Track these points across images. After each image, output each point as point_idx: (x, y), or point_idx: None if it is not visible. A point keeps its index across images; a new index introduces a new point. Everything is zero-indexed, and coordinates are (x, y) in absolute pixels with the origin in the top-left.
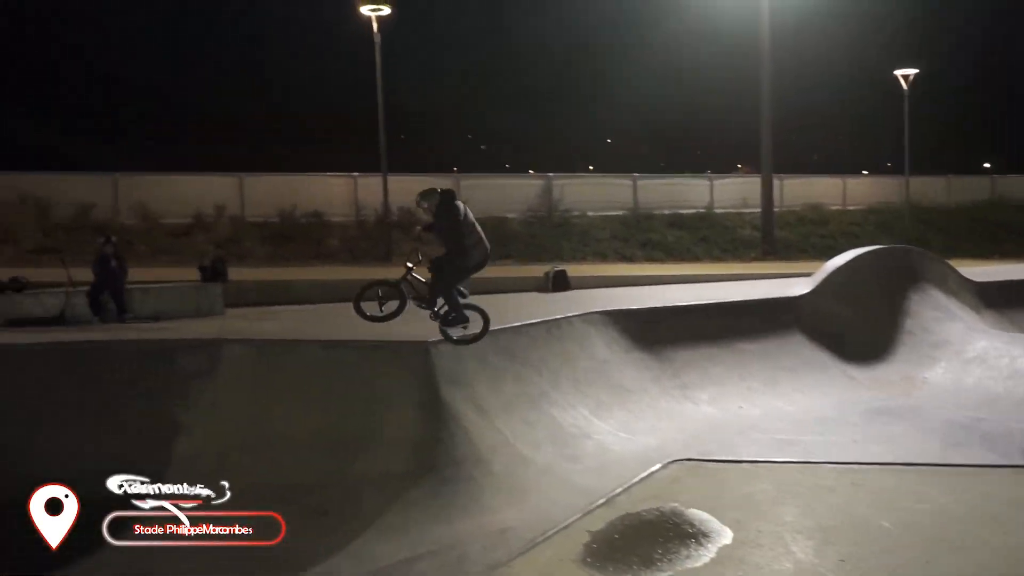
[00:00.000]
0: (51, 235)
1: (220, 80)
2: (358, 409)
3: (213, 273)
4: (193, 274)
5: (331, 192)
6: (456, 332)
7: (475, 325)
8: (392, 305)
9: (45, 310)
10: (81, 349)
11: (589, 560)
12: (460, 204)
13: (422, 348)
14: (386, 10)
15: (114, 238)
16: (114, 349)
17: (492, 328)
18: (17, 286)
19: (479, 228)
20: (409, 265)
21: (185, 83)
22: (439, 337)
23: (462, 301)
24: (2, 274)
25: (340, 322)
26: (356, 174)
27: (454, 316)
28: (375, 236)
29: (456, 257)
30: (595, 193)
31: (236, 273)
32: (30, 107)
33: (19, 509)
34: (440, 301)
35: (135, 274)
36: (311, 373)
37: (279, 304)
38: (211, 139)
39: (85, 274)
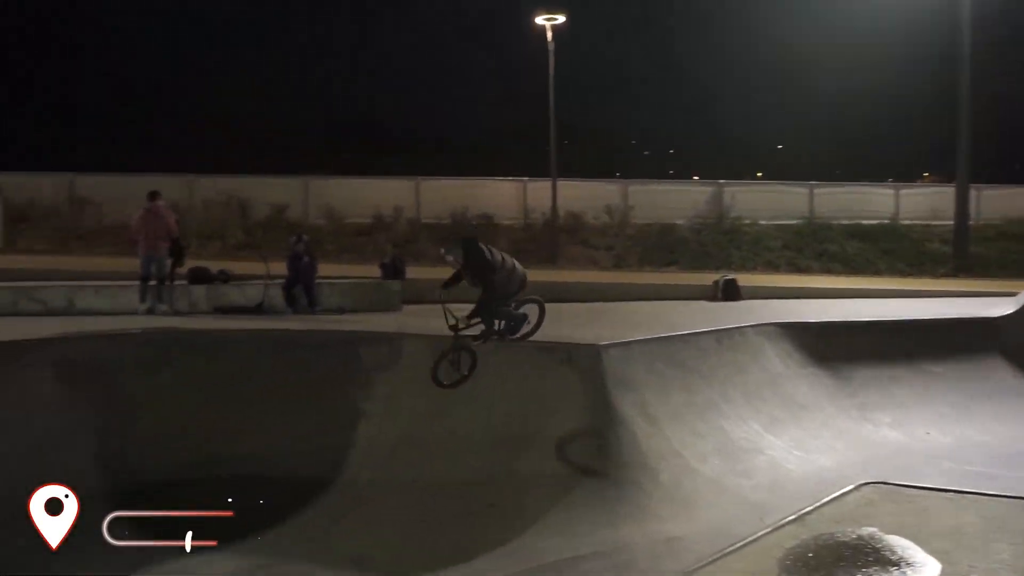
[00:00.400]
0: (251, 233)
1: (395, 91)
2: (527, 408)
3: (393, 271)
4: (374, 271)
5: (501, 196)
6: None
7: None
8: (466, 361)
9: (247, 300)
10: (278, 337)
11: None
12: (482, 245)
13: (594, 351)
14: (560, 19)
15: (306, 236)
16: (306, 338)
17: (661, 335)
18: (224, 277)
19: (508, 259)
20: (452, 323)
21: (369, 96)
22: (611, 340)
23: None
24: (212, 267)
25: None
26: (525, 179)
27: (513, 323)
28: (542, 239)
29: (496, 293)
30: (767, 201)
31: (412, 271)
32: (230, 119)
33: (205, 485)
34: (498, 323)
35: (323, 269)
36: (481, 370)
37: (451, 303)
38: (389, 146)
39: (281, 268)
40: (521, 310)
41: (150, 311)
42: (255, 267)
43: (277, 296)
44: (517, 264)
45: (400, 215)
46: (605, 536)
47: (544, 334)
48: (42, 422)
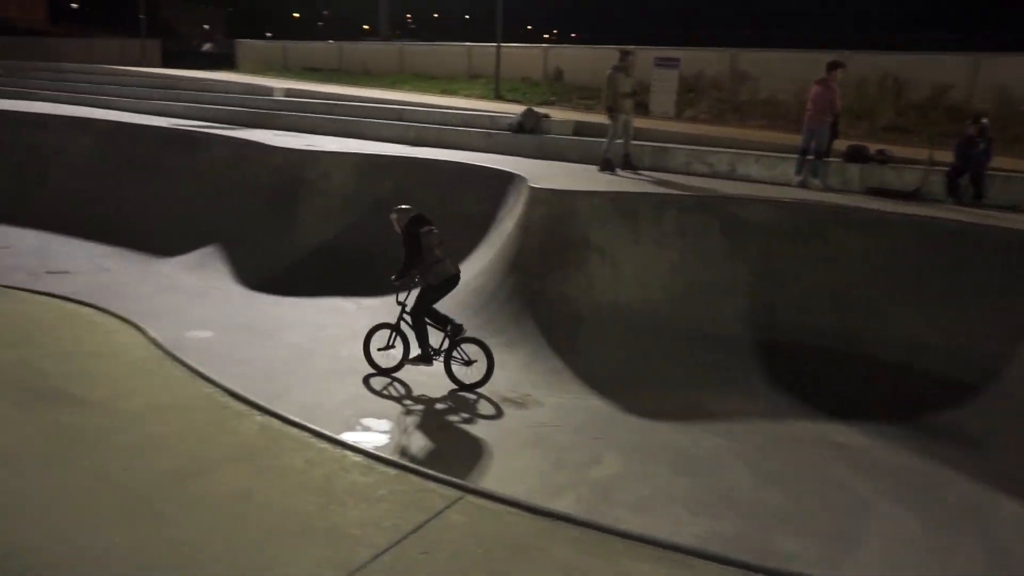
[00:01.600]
0: (903, 114)
1: None
2: None
3: None
4: None
5: None
6: (460, 373)
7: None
8: (399, 346)
9: (902, 184)
10: (940, 227)
11: None
12: (426, 229)
13: None
14: None
15: (985, 120)
16: (973, 234)
17: None
18: (882, 158)
19: (442, 252)
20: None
21: None
22: None
23: (460, 337)
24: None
25: None
26: None
27: (419, 354)
28: None
29: (413, 261)
30: None
31: None
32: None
33: (840, 359)
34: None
35: (993, 161)
36: None
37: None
38: None
39: (943, 155)
40: (464, 347)
41: (802, 184)
42: (903, 150)
43: (937, 183)
44: (450, 263)
45: None
46: None
47: None
48: (713, 268)
